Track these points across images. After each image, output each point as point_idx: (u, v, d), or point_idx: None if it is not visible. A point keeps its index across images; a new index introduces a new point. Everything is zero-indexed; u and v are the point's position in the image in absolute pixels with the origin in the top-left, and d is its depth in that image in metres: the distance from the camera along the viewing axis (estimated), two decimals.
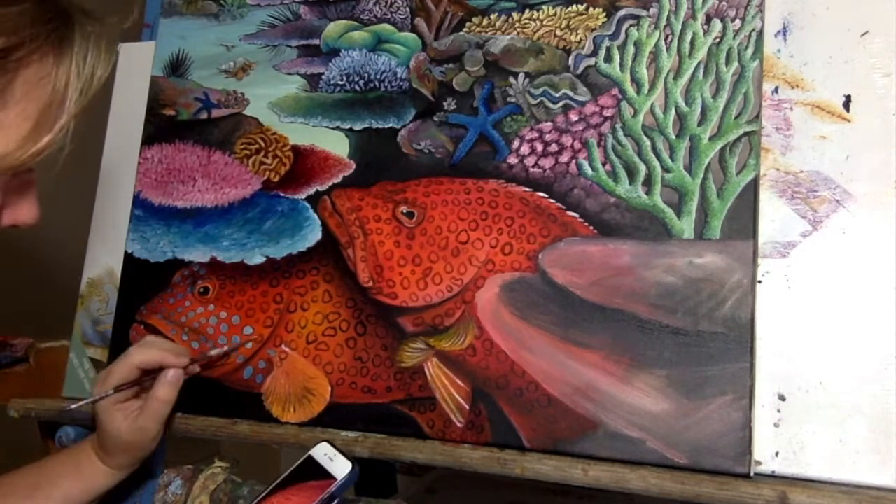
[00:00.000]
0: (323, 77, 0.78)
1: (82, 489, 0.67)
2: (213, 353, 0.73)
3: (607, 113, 0.67)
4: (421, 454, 0.65)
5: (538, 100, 0.69)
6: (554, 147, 0.68)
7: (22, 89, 0.48)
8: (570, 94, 0.68)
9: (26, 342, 0.94)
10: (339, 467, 0.61)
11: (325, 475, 0.61)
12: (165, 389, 0.66)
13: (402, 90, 0.75)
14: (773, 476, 0.57)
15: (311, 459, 0.63)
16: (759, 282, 0.60)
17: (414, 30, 0.76)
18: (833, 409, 0.57)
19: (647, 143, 0.65)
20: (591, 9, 0.69)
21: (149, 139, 0.84)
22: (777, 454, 0.58)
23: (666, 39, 0.66)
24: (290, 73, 0.80)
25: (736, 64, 0.63)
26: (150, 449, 0.68)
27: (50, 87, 0.49)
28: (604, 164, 0.66)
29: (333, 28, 0.79)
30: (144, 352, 0.67)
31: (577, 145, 0.67)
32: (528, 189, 0.68)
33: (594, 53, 0.68)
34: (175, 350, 0.69)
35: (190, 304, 0.77)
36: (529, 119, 0.69)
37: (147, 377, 0.67)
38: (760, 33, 0.63)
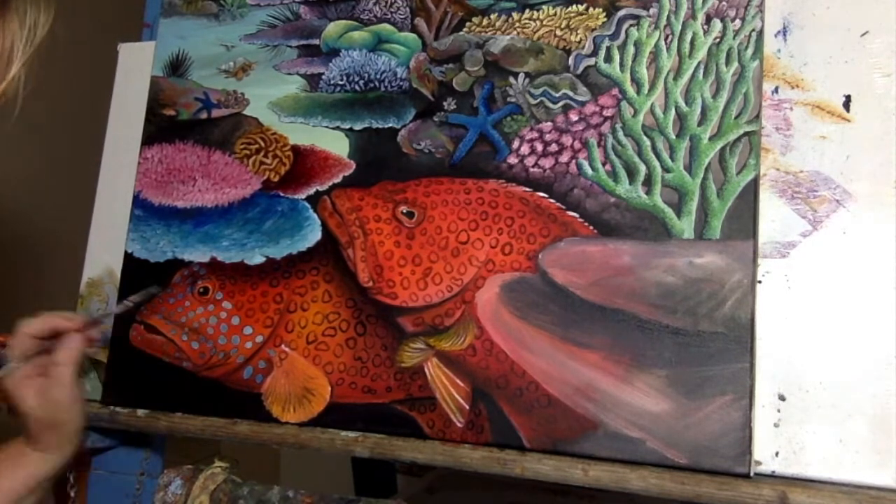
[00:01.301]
0: (323, 77, 0.78)
1: (23, 480, 0.67)
2: (116, 309, 0.77)
3: (607, 113, 0.67)
4: (421, 454, 0.65)
5: (538, 100, 0.69)
6: (554, 147, 0.68)
7: None
8: (570, 94, 0.68)
9: None
10: None
11: None
12: (63, 352, 0.68)
13: (402, 90, 0.75)
14: (772, 476, 0.57)
15: None
16: (759, 282, 0.60)
17: (414, 30, 0.76)
18: (833, 409, 0.57)
19: (647, 143, 0.65)
20: (591, 9, 0.69)
21: (149, 139, 0.84)
22: (777, 454, 0.58)
23: (666, 39, 0.66)
24: (290, 73, 0.80)
25: (736, 64, 0.63)
26: (72, 422, 0.68)
27: None
28: (604, 164, 0.66)
29: (333, 28, 0.79)
30: (35, 321, 0.69)
31: (577, 145, 0.67)
32: (528, 189, 0.68)
33: (594, 53, 0.68)
34: (68, 315, 0.71)
35: (190, 304, 0.77)
36: (529, 119, 0.69)
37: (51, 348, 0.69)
38: (760, 33, 0.63)
